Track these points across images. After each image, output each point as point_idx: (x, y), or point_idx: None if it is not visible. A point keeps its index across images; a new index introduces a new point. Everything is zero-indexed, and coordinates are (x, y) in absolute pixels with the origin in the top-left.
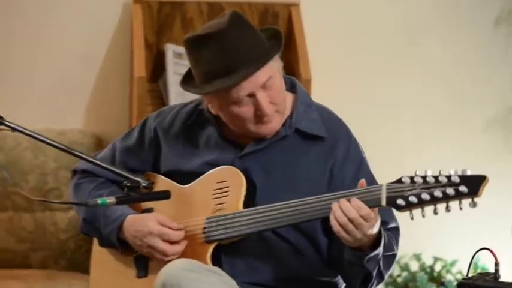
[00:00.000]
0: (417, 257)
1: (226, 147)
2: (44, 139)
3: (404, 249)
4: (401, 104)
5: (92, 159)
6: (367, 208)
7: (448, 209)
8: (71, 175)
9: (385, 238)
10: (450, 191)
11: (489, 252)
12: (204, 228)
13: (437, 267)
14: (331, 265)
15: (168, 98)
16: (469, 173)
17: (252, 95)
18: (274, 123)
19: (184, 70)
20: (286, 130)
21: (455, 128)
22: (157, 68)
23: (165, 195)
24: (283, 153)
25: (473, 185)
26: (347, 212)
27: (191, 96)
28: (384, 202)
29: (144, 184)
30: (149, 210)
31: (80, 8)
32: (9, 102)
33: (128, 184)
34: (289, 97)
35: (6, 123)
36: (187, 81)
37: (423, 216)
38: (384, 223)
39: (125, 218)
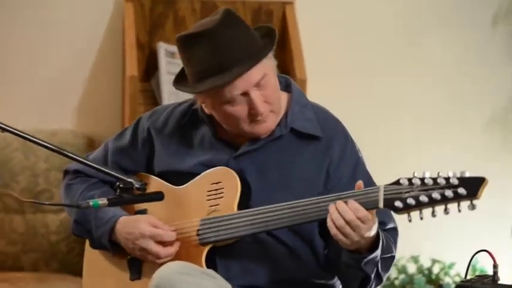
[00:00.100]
0: (415, 259)
1: (220, 147)
2: (35, 139)
3: (402, 251)
4: (401, 104)
5: (83, 160)
6: (365, 210)
7: (446, 211)
8: (62, 175)
9: (383, 240)
10: (449, 193)
11: (488, 254)
12: (199, 230)
13: (435, 270)
14: (329, 267)
15: (161, 97)
16: (467, 174)
17: (245, 94)
18: (268, 123)
19: (177, 69)
20: (281, 130)
21: (455, 128)
22: (149, 67)
23: (158, 196)
24: (279, 153)
25: (472, 187)
26: (344, 214)
27: (184, 96)
28: (381, 204)
29: (137, 185)
30: (142, 212)
31: (71, 7)
32: None
33: (121, 185)
34: (284, 96)
35: None
36: (180, 80)
37: (421, 218)
38: (381, 224)
39: (116, 219)
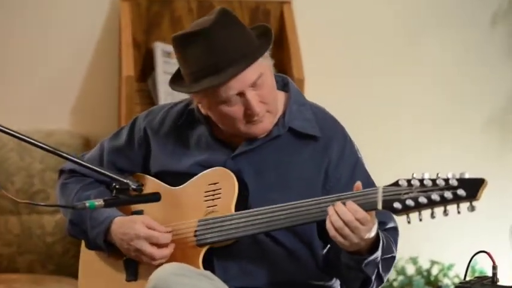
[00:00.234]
0: (413, 261)
1: (217, 147)
2: (30, 140)
3: (401, 253)
4: (400, 103)
5: (79, 161)
6: (364, 211)
7: (445, 212)
8: (57, 175)
9: (383, 241)
10: (448, 194)
11: (487, 255)
12: (196, 231)
13: (434, 271)
14: (329, 269)
15: (157, 97)
16: (467, 176)
17: (241, 94)
18: (265, 123)
19: (173, 69)
20: (279, 129)
21: (454, 127)
22: (146, 67)
23: (154, 197)
24: (276, 153)
25: (471, 188)
26: (343, 216)
27: (181, 96)
28: (380, 206)
29: (133, 186)
30: (139, 212)
31: (67, 6)
32: None
33: (117, 186)
34: (281, 96)
35: None
36: (176, 80)
37: (420, 220)
38: (381, 223)
39: (111, 220)
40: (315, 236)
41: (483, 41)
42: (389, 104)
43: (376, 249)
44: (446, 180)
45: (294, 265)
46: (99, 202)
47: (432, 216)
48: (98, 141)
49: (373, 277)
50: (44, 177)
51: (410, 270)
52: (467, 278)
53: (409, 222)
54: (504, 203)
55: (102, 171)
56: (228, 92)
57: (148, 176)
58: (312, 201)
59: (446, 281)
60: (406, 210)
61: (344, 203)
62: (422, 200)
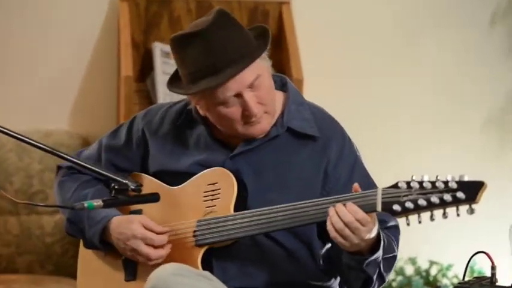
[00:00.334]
0: (412, 261)
1: (216, 147)
2: (28, 140)
3: (400, 253)
4: (399, 104)
5: (78, 161)
6: (363, 212)
7: (445, 215)
8: (56, 171)
9: (384, 241)
10: (447, 197)
11: (486, 255)
12: (195, 231)
13: (433, 271)
14: (330, 269)
15: (156, 97)
16: (466, 178)
17: (239, 95)
18: (263, 124)
19: (172, 69)
20: (277, 130)
21: (453, 128)
22: (144, 67)
23: (153, 198)
24: (275, 153)
25: (471, 191)
26: (343, 217)
27: (180, 96)
28: (379, 208)
29: (132, 187)
30: (137, 212)
31: (67, 7)
32: None
33: (116, 187)
34: (279, 96)
35: None
36: (173, 81)
37: (419, 222)
38: (382, 222)
39: (108, 220)
40: (315, 236)
41: (482, 41)
42: (388, 105)
43: (377, 249)
44: (446, 182)
45: (293, 265)
46: (98, 203)
47: (431, 218)
48: None
49: (375, 277)
50: (43, 177)
51: (409, 270)
52: (466, 279)
53: (408, 224)
54: (503, 203)
55: (102, 171)
56: (225, 93)
57: (147, 176)
58: (311, 202)
59: (445, 281)
60: (405, 212)
61: (344, 204)
62: (422, 202)
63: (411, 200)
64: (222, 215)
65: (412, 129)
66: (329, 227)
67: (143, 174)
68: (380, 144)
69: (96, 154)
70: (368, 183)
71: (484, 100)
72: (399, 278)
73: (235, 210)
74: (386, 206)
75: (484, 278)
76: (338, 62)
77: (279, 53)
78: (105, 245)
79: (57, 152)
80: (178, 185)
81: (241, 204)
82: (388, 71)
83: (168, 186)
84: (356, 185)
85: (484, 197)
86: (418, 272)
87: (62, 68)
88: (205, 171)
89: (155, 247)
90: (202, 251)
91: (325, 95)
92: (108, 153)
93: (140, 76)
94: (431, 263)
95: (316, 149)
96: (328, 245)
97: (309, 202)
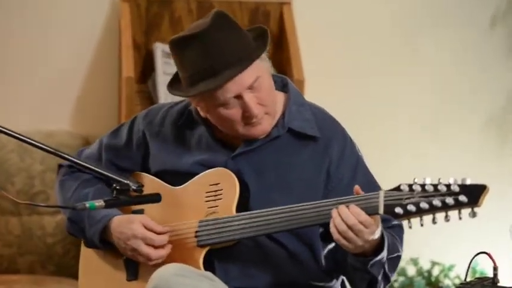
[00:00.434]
0: (414, 262)
1: (218, 148)
2: (30, 141)
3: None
4: (397, 104)
5: (79, 162)
6: (366, 214)
7: (447, 218)
8: (57, 170)
9: (388, 241)
10: (449, 200)
11: (487, 256)
12: (197, 232)
13: (435, 272)
14: (336, 270)
15: (158, 98)
16: (468, 182)
17: (239, 97)
18: (263, 125)
19: (173, 70)
20: (278, 130)
21: (452, 128)
22: (146, 68)
23: (155, 198)
24: (276, 154)
25: (473, 194)
26: (346, 219)
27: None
28: (381, 210)
29: (133, 187)
30: (139, 212)
31: (67, 7)
32: None
33: (117, 187)
34: (280, 96)
35: None
36: (173, 84)
37: (421, 225)
38: (386, 221)
39: (109, 219)
40: (317, 238)
41: (481, 40)
42: (386, 104)
43: (382, 250)
44: (448, 186)
45: (294, 266)
46: (99, 203)
47: (434, 221)
48: None
49: (380, 277)
50: (44, 178)
51: (411, 271)
52: (468, 279)
53: (410, 227)
54: (504, 204)
55: (103, 172)
56: (225, 95)
57: (148, 175)
58: (313, 204)
59: (447, 281)
60: (407, 215)
61: (347, 206)
62: (424, 205)
63: (413, 203)
64: (225, 216)
65: (410, 129)
66: (332, 229)
67: (144, 173)
68: (378, 143)
69: (96, 153)
70: (370, 184)
71: (483, 100)
72: (401, 278)
73: (237, 211)
74: (389, 209)
75: (486, 278)
76: (339, 63)
77: (279, 54)
78: (105, 245)
79: (59, 153)
80: (179, 184)
81: (243, 205)
82: (387, 71)
83: (169, 186)
84: (357, 187)
85: (487, 197)
86: (420, 272)
87: (63, 69)
88: (207, 171)
89: (155, 247)
90: (204, 251)
91: (326, 96)
92: (108, 153)
93: (141, 77)
94: (433, 263)
95: (317, 150)
96: (331, 246)
97: (310, 204)
